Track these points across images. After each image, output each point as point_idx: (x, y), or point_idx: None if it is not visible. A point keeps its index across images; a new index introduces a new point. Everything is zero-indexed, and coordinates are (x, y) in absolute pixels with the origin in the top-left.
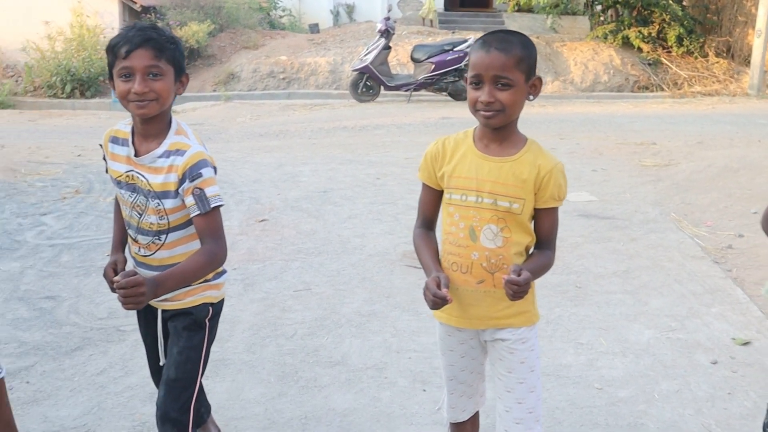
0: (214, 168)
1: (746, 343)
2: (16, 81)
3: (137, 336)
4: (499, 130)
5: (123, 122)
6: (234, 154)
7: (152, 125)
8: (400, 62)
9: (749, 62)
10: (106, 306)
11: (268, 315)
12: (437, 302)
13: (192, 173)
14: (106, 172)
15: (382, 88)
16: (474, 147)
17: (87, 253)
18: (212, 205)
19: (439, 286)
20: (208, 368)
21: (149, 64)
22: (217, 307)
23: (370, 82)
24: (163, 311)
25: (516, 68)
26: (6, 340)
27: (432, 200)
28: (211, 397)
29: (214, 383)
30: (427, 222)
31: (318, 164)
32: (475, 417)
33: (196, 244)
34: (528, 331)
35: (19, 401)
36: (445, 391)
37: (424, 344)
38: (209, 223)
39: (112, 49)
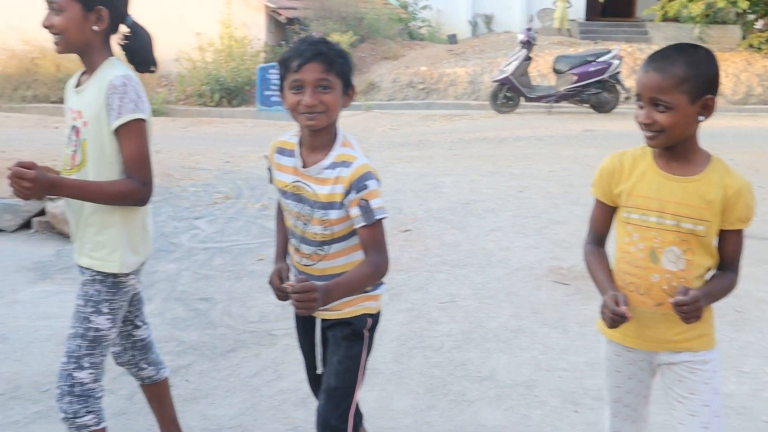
0: (378, 180)
1: None
2: (169, 90)
3: (288, 341)
4: (677, 148)
5: (289, 133)
6: (375, 163)
7: (320, 137)
8: (540, 73)
9: None
10: (258, 310)
11: (415, 326)
12: (616, 320)
13: (358, 185)
14: (270, 182)
15: (522, 99)
16: (654, 164)
17: (238, 258)
18: (377, 217)
19: (617, 304)
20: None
21: (319, 77)
22: (376, 318)
23: (510, 93)
24: (323, 320)
25: (675, 90)
26: (166, 338)
27: (605, 217)
28: (362, 406)
29: (364, 392)
30: (599, 238)
31: (459, 175)
32: None
33: (356, 256)
34: (709, 354)
35: (180, 398)
36: (608, 414)
37: (574, 363)
38: (374, 235)
39: (285, 62)
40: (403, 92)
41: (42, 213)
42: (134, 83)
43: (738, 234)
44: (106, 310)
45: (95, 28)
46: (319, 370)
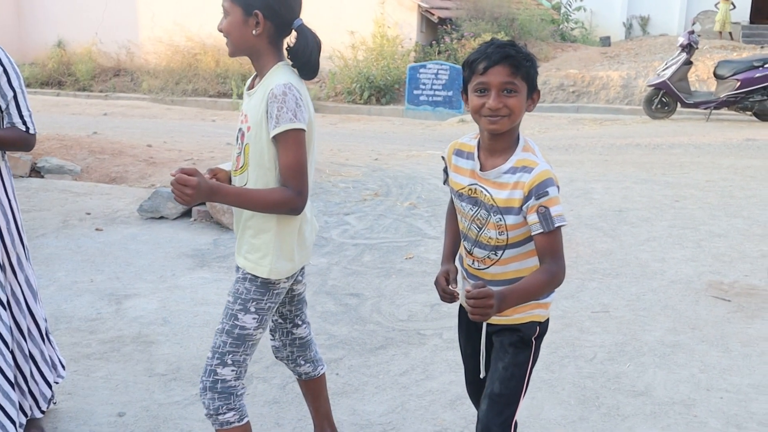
0: (558, 187)
1: None
2: (321, 87)
3: (437, 341)
4: None
5: (468, 136)
6: None
7: (501, 141)
8: (699, 78)
9: None
10: (406, 308)
11: (566, 334)
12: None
13: (538, 191)
14: (444, 183)
15: (678, 105)
16: None
17: (386, 255)
18: (556, 225)
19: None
20: None
21: (505, 81)
22: (544, 326)
23: (665, 99)
24: (489, 325)
25: None
26: (317, 331)
27: None
28: None
29: None
30: None
31: (611, 182)
32: None
33: (530, 262)
34: None
35: (330, 391)
36: None
37: (738, 385)
38: (551, 242)
39: (471, 64)
40: (553, 95)
41: (202, 203)
42: (294, 92)
43: None
44: (253, 309)
45: (254, 32)
46: (482, 375)
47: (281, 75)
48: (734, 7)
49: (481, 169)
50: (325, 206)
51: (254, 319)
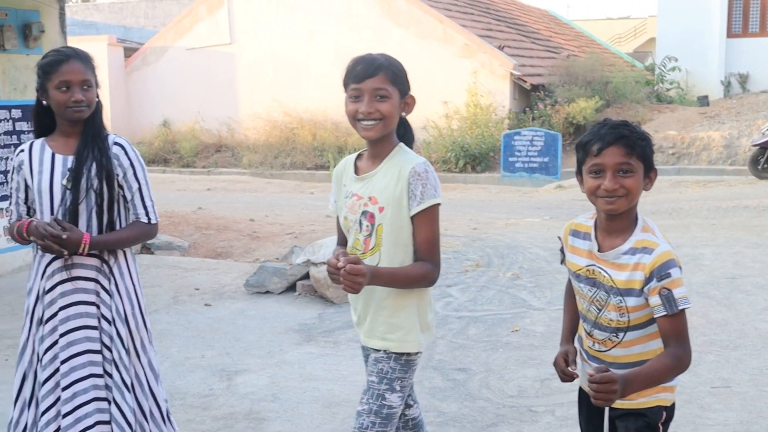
0: (680, 268)
1: None
2: None
3: (549, 419)
4: None
5: (585, 216)
6: None
7: (619, 221)
8: None
9: None
10: (516, 384)
11: (686, 411)
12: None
13: (660, 273)
14: (562, 263)
15: None
16: None
17: (492, 328)
18: (680, 307)
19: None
20: None
21: (621, 161)
22: (671, 411)
23: None
24: (612, 409)
25: None
26: (426, 408)
27: None
28: None
29: None
30: None
31: (720, 246)
32: None
33: (653, 344)
34: None
35: None
36: None
37: None
38: (675, 325)
39: (584, 146)
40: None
41: (306, 277)
42: (432, 169)
43: None
44: (398, 388)
45: (403, 114)
46: None
47: (411, 154)
48: None
49: (599, 250)
50: None
51: (399, 397)
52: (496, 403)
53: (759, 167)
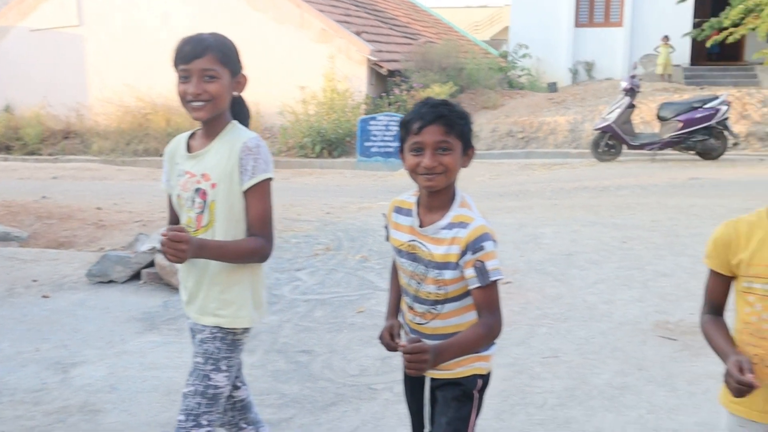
0: (495, 241)
1: None
2: (272, 142)
3: (388, 395)
4: None
5: (408, 193)
6: None
7: (438, 197)
8: (643, 120)
9: None
10: (358, 363)
11: (517, 381)
12: (743, 389)
13: (474, 246)
14: (386, 240)
15: (624, 147)
16: None
17: (338, 310)
18: (492, 278)
19: (742, 371)
20: None
21: (439, 140)
22: (486, 378)
23: (611, 141)
24: (432, 379)
25: None
26: (267, 391)
27: (723, 288)
28: None
29: None
30: (716, 308)
31: (560, 226)
32: None
33: (470, 316)
34: None
35: None
36: None
37: (684, 423)
38: (488, 296)
39: (406, 125)
40: (503, 141)
41: (151, 264)
42: (264, 144)
43: None
44: (224, 368)
45: (235, 93)
46: (427, 430)
47: (244, 130)
48: (674, 50)
49: (420, 226)
50: (276, 263)
51: (226, 376)
52: (337, 383)
53: (599, 150)
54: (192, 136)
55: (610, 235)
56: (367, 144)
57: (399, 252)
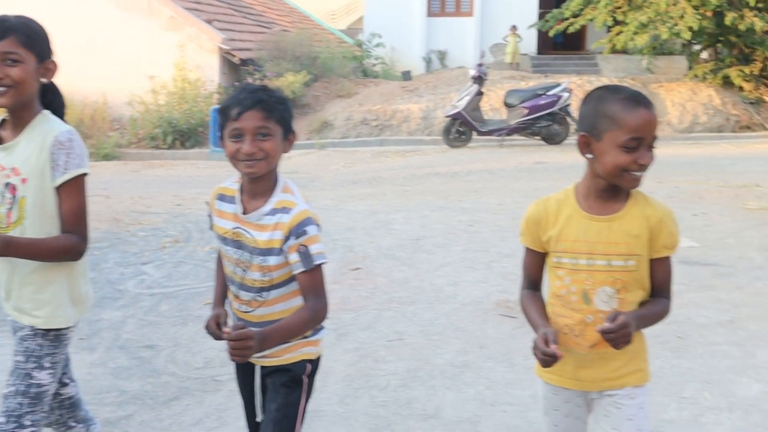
0: (318, 225)
1: None
2: (121, 133)
3: (233, 386)
4: (605, 187)
5: (230, 180)
6: (327, 201)
7: (260, 183)
8: (492, 107)
9: None
10: (203, 356)
11: (361, 366)
12: (548, 360)
13: (297, 231)
14: (211, 228)
15: (474, 133)
16: (578, 207)
17: (185, 302)
18: (316, 262)
19: (547, 343)
20: None
21: (259, 125)
22: (315, 363)
23: (462, 128)
24: (262, 367)
25: None
26: (107, 389)
27: (537, 263)
28: None
29: None
30: (533, 284)
31: (410, 211)
32: None
33: (296, 302)
34: (637, 389)
35: None
36: None
37: (520, 397)
38: (312, 280)
39: (224, 111)
40: (357, 130)
41: None
42: (78, 138)
43: (666, 261)
44: (48, 365)
45: (43, 80)
46: (259, 418)
47: (57, 122)
48: (521, 39)
49: (243, 213)
50: (121, 257)
51: (50, 374)
52: (181, 377)
53: (450, 137)
54: (2, 125)
55: (458, 219)
56: (220, 134)
57: (224, 240)
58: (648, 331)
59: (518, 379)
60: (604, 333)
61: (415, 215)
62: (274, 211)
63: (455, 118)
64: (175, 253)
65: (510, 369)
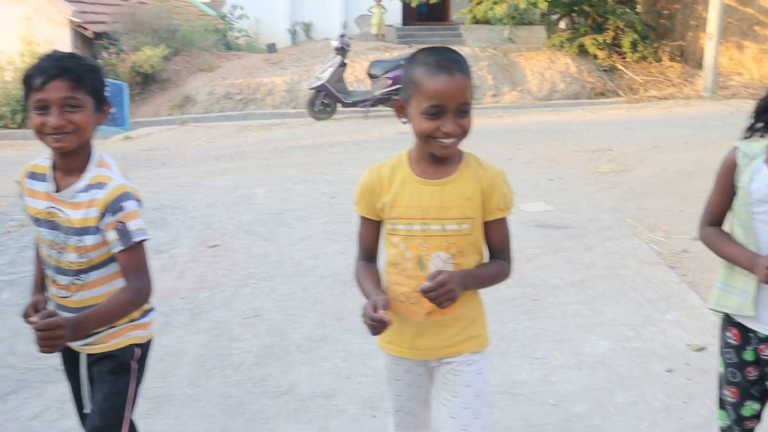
0: (138, 200)
1: (701, 349)
2: None
3: None
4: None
5: (41, 156)
6: (187, 178)
7: (72, 159)
8: (357, 78)
9: (702, 65)
10: None
11: (215, 345)
12: (376, 326)
13: (114, 207)
14: (24, 210)
15: (339, 105)
16: (411, 172)
17: (28, 290)
18: (135, 239)
19: (375, 309)
20: (150, 406)
21: (66, 96)
22: (145, 347)
23: (326, 100)
24: (88, 355)
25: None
26: None
27: (373, 233)
28: None
29: (156, 420)
30: (369, 254)
31: (273, 185)
32: None
33: (119, 283)
34: (475, 355)
35: None
36: (391, 423)
37: (375, 368)
38: (133, 259)
39: (27, 80)
40: (220, 104)
41: None
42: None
43: (501, 223)
44: None
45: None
46: (87, 410)
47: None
48: (386, 10)
49: (56, 191)
50: None
51: None
52: (21, 368)
53: (315, 109)
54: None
55: (320, 191)
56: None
57: (37, 221)
58: (503, 295)
59: (375, 350)
60: (424, 292)
61: (278, 189)
62: (88, 187)
63: (319, 90)
64: (20, 238)
65: (366, 340)
